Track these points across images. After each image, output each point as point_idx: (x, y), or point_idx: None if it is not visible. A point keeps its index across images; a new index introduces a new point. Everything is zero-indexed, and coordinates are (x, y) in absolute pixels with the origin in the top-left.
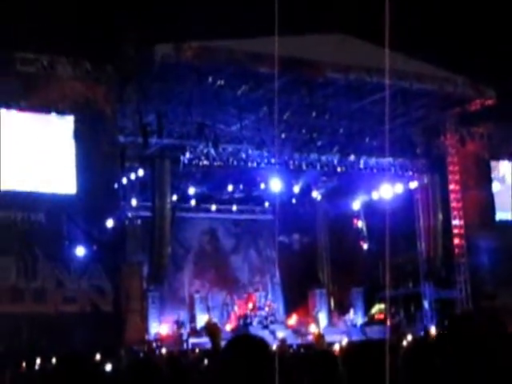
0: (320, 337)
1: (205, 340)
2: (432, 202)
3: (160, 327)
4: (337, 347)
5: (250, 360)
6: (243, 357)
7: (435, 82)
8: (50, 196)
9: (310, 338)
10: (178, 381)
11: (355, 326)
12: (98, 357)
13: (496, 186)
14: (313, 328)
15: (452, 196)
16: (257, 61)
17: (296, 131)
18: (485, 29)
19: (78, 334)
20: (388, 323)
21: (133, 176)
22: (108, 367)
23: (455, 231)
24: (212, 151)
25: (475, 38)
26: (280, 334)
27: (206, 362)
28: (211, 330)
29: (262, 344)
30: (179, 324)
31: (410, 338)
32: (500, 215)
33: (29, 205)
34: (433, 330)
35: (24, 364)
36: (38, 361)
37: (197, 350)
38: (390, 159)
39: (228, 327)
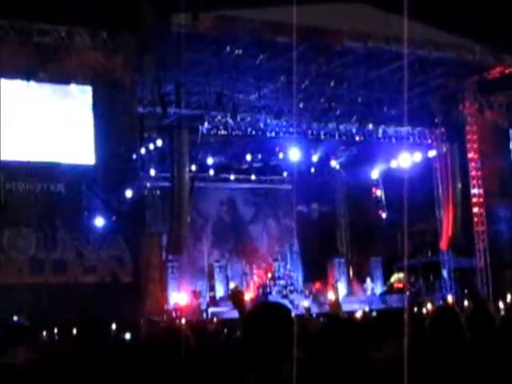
0: (337, 304)
1: (224, 309)
2: (451, 171)
3: (179, 297)
4: (358, 315)
5: (274, 326)
6: (267, 322)
7: (454, 51)
8: (70, 167)
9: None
10: (202, 348)
11: (375, 294)
12: (115, 327)
13: None
14: (330, 295)
15: (471, 165)
16: (275, 30)
17: (314, 100)
18: None
19: (98, 304)
20: (407, 292)
21: (151, 146)
22: (127, 336)
23: (474, 200)
24: (230, 121)
25: (494, 5)
26: (300, 303)
27: (225, 331)
28: (237, 296)
29: (285, 310)
30: (197, 294)
31: (429, 306)
32: None
33: (48, 176)
34: (450, 299)
35: (44, 334)
36: (58, 330)
37: (215, 320)
38: (409, 128)
39: (247, 297)
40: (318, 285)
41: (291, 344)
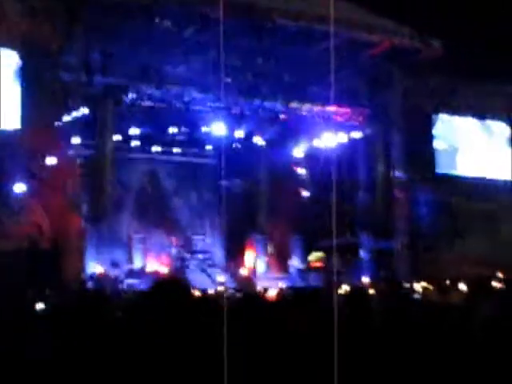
0: (247, 281)
1: (139, 281)
2: (374, 153)
3: (96, 267)
4: (273, 292)
5: (171, 302)
6: (164, 299)
7: (383, 33)
8: None
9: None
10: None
11: (297, 272)
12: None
13: (439, 144)
14: (243, 271)
15: (394, 148)
16: (205, 2)
17: (241, 76)
18: None
19: (14, 270)
20: (326, 271)
21: (75, 114)
22: (40, 305)
23: (396, 183)
24: (156, 92)
25: None
26: (218, 278)
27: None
28: (246, 284)
29: (184, 287)
30: (114, 264)
31: (345, 287)
32: (441, 170)
33: None
34: (367, 280)
35: None
36: None
37: (130, 291)
38: (334, 108)
39: (165, 269)
40: (237, 260)
41: (189, 318)
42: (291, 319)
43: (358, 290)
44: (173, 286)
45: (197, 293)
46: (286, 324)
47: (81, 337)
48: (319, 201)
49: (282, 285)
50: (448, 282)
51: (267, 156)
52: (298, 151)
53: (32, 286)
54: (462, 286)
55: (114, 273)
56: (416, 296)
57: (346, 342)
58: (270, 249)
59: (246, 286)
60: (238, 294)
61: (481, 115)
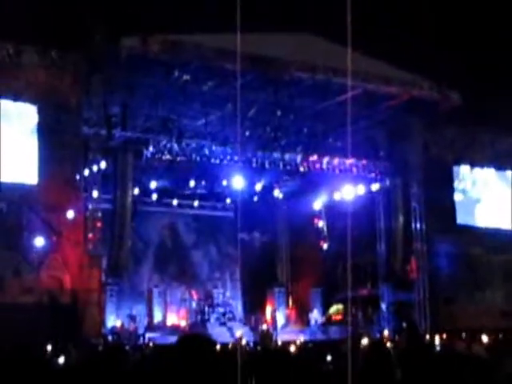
0: (266, 336)
1: (159, 335)
2: (393, 205)
3: (116, 321)
4: (292, 348)
5: (196, 358)
6: (190, 355)
7: (401, 85)
8: (11, 185)
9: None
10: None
11: (317, 325)
12: (50, 348)
13: (458, 196)
14: (264, 327)
15: (413, 199)
16: (223, 57)
17: (260, 129)
18: (452, 32)
19: (35, 325)
20: (347, 324)
21: (95, 168)
22: (61, 360)
23: (415, 234)
24: (175, 146)
25: (442, 42)
26: (239, 331)
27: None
28: (267, 338)
29: (210, 343)
30: (133, 318)
31: (365, 340)
32: (461, 221)
33: None
34: (387, 333)
35: None
36: None
37: (151, 344)
38: (353, 160)
39: (185, 323)
40: (257, 313)
41: (214, 373)
42: (313, 372)
43: (379, 344)
44: (198, 341)
45: (218, 347)
46: (308, 377)
47: None
48: (339, 253)
49: (302, 338)
50: (469, 333)
51: (286, 208)
52: (318, 203)
53: (53, 340)
54: (484, 338)
55: (133, 326)
56: (437, 348)
57: None
58: (289, 302)
59: (266, 340)
60: (259, 348)
61: (500, 166)
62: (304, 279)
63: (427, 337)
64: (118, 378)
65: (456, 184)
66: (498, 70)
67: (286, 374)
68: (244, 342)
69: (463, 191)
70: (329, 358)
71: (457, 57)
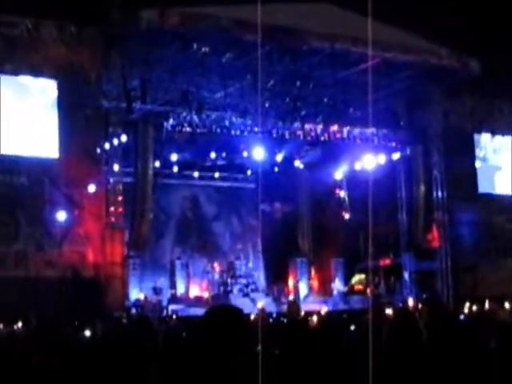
0: (294, 306)
1: (183, 307)
2: (414, 174)
3: (140, 294)
4: (314, 318)
5: (226, 329)
6: (220, 326)
7: (419, 54)
8: (33, 160)
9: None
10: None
11: (339, 294)
12: (76, 322)
13: (479, 163)
14: (290, 297)
15: (434, 168)
16: (242, 28)
17: (280, 100)
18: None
19: (59, 299)
20: (369, 293)
21: (116, 141)
22: (87, 333)
23: (437, 203)
24: (195, 118)
25: (461, 10)
26: (260, 303)
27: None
28: (293, 309)
29: (238, 314)
30: (157, 290)
31: (389, 309)
32: (482, 190)
33: (11, 168)
34: (411, 302)
35: (2, 326)
36: (18, 324)
37: (174, 317)
38: (374, 130)
39: (207, 295)
40: (279, 284)
41: (243, 343)
42: (337, 342)
43: (404, 313)
44: (227, 312)
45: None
46: (332, 346)
47: (128, 364)
48: (360, 223)
49: (325, 308)
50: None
51: (308, 179)
52: (339, 173)
53: (76, 314)
54: (507, 305)
55: (156, 299)
56: (462, 317)
57: (397, 366)
58: (312, 272)
59: (293, 310)
60: (282, 319)
61: None
62: (326, 249)
63: (451, 305)
64: (148, 350)
65: (477, 152)
66: None
67: (311, 343)
68: (267, 312)
69: (484, 159)
70: (352, 327)
71: (476, 24)
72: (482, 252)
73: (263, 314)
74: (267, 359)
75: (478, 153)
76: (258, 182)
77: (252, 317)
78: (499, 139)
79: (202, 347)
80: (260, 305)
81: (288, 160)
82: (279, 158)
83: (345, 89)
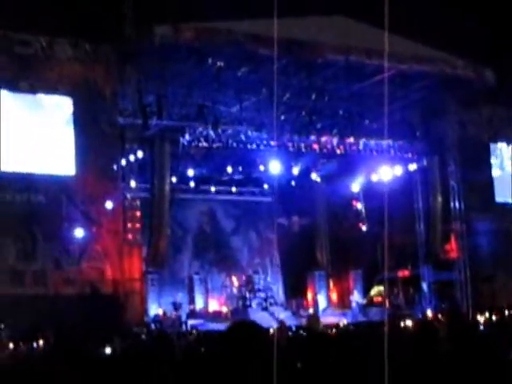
0: (314, 319)
1: (202, 322)
2: (431, 184)
3: (158, 309)
4: (334, 330)
5: (246, 345)
6: (240, 342)
7: (435, 65)
8: (50, 177)
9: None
10: (185, 363)
11: (358, 307)
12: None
13: (496, 172)
14: (310, 310)
15: (451, 178)
16: (256, 42)
17: (295, 113)
18: (486, 9)
19: (78, 315)
20: (387, 305)
21: (132, 157)
22: (107, 350)
23: (454, 213)
24: (211, 133)
25: (476, 20)
26: (280, 316)
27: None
28: (313, 322)
29: (258, 330)
30: (176, 306)
31: (408, 321)
32: (499, 198)
33: (28, 186)
34: (430, 313)
35: (22, 344)
36: (37, 342)
37: (194, 332)
38: (390, 141)
39: (226, 309)
40: (298, 297)
41: (264, 359)
42: (355, 356)
43: (425, 324)
44: (247, 329)
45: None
46: (353, 362)
47: (147, 380)
48: (378, 234)
49: (345, 321)
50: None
51: (324, 192)
52: (356, 186)
53: (96, 331)
54: None
55: (175, 314)
56: (481, 327)
57: (418, 377)
58: (330, 284)
59: (314, 323)
60: (301, 332)
61: None
62: (344, 262)
63: (470, 315)
64: (166, 366)
65: (493, 160)
66: None
67: (331, 356)
68: (286, 325)
69: (501, 167)
70: (371, 340)
71: (491, 34)
72: (501, 261)
73: (283, 327)
74: (286, 373)
75: (495, 161)
76: (275, 196)
77: (271, 330)
78: None
79: (221, 362)
80: (281, 317)
81: (304, 173)
82: (296, 171)
83: (360, 101)
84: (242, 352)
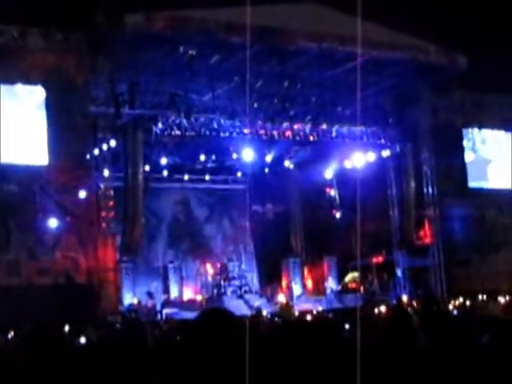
0: (288, 307)
1: (177, 310)
2: (404, 170)
3: (133, 298)
4: (308, 317)
5: (217, 333)
6: (211, 330)
7: (407, 51)
8: (22, 167)
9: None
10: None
11: (333, 293)
12: (70, 328)
13: (468, 156)
14: (281, 297)
15: (424, 164)
16: (228, 30)
17: (268, 101)
18: None
19: (52, 305)
20: (362, 291)
21: (105, 146)
22: (82, 340)
23: (427, 199)
24: (184, 121)
25: (447, 5)
26: (254, 304)
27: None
28: (285, 311)
29: (230, 317)
30: (151, 294)
31: (382, 307)
32: (472, 183)
33: (1, 176)
34: (405, 298)
35: None
36: (11, 333)
37: (169, 321)
38: (363, 128)
39: (201, 297)
40: (272, 285)
41: (236, 347)
42: (333, 342)
43: (400, 310)
44: (218, 316)
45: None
46: (327, 349)
47: (123, 370)
48: (352, 221)
49: (319, 307)
50: (484, 296)
51: (298, 179)
52: (329, 172)
53: (70, 321)
54: (500, 299)
55: (151, 303)
56: (455, 312)
57: (392, 364)
58: (305, 271)
59: (286, 312)
60: (277, 319)
61: (510, 128)
62: (318, 248)
63: (444, 300)
64: (140, 355)
65: (466, 143)
66: (505, 32)
67: (306, 344)
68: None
69: (473, 150)
70: (347, 326)
71: (463, 19)
72: (475, 246)
73: (259, 314)
74: (259, 360)
75: (467, 143)
76: (249, 184)
77: (248, 318)
78: (488, 132)
79: (193, 351)
80: (256, 304)
81: (278, 160)
82: (269, 158)
83: (333, 88)
84: (213, 339)
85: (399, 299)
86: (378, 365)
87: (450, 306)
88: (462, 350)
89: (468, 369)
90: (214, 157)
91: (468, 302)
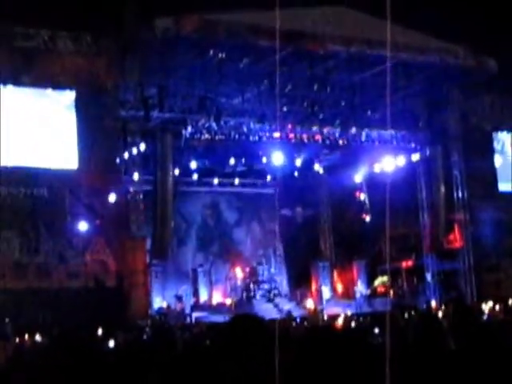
0: (315, 313)
1: (206, 314)
2: (434, 174)
3: (163, 302)
4: (339, 322)
5: (247, 339)
6: (241, 335)
7: (436, 54)
8: (53, 171)
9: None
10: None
11: (362, 297)
12: (100, 332)
13: (498, 159)
14: (309, 303)
15: (454, 168)
16: (257, 34)
17: (298, 104)
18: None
19: (82, 309)
20: (391, 296)
21: (135, 150)
22: (111, 343)
23: (457, 203)
24: (214, 125)
25: (477, 8)
26: (284, 307)
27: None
28: (314, 317)
29: (260, 323)
30: (180, 298)
31: (412, 311)
32: (502, 186)
33: (31, 180)
34: (434, 303)
35: (27, 337)
36: (40, 336)
37: (198, 324)
38: (392, 132)
39: (230, 301)
40: (302, 288)
41: (265, 353)
42: (362, 346)
43: (429, 315)
44: (250, 322)
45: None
46: (356, 355)
47: (150, 374)
48: (381, 225)
49: (349, 312)
50: None
51: (327, 183)
52: (359, 176)
53: (100, 324)
54: None
55: (180, 306)
56: (485, 317)
57: (422, 368)
58: (334, 275)
59: (314, 318)
60: (305, 323)
61: None
62: (348, 252)
63: (474, 305)
64: (169, 358)
65: (495, 146)
66: None
67: (335, 349)
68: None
69: (503, 153)
70: (376, 330)
71: (492, 23)
72: (505, 250)
73: (289, 317)
74: (287, 366)
75: (496, 146)
76: (278, 187)
77: (277, 322)
78: None
79: (223, 355)
80: (285, 308)
81: (307, 164)
82: (298, 162)
83: (362, 91)
84: (243, 345)
85: (429, 303)
86: (407, 370)
87: (481, 310)
88: (494, 355)
89: (500, 374)
90: (243, 160)
91: (498, 307)
